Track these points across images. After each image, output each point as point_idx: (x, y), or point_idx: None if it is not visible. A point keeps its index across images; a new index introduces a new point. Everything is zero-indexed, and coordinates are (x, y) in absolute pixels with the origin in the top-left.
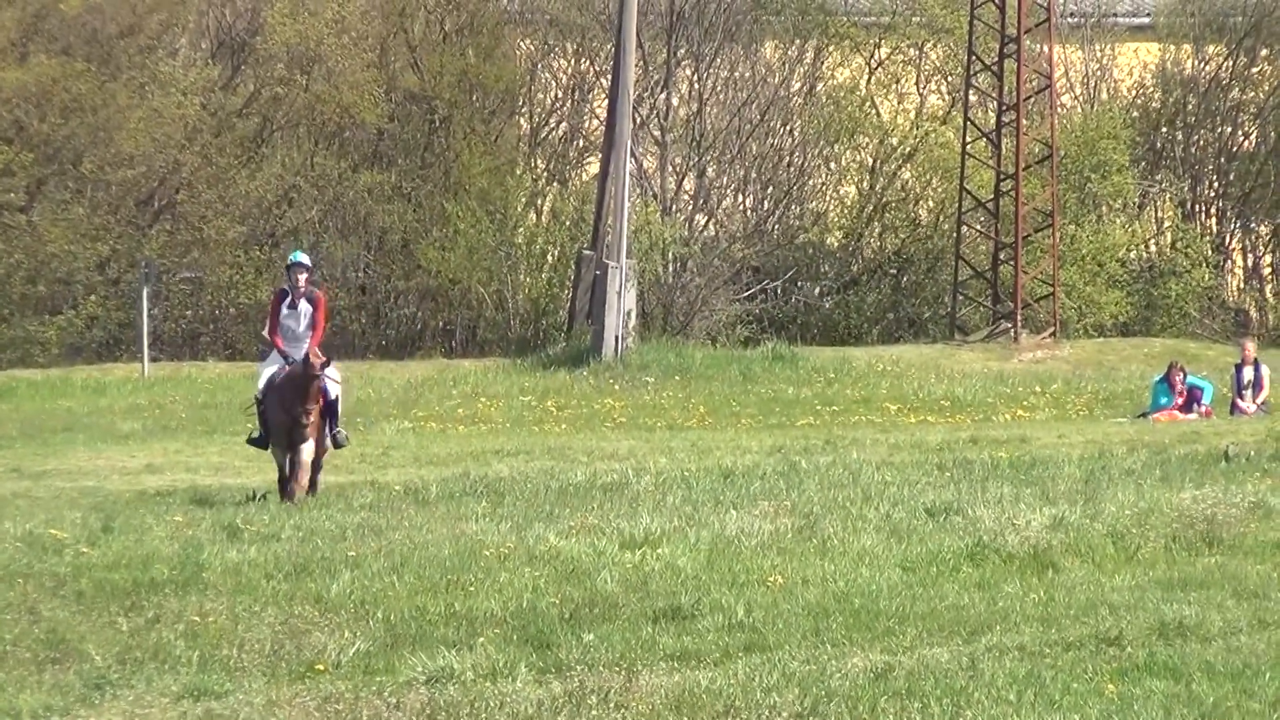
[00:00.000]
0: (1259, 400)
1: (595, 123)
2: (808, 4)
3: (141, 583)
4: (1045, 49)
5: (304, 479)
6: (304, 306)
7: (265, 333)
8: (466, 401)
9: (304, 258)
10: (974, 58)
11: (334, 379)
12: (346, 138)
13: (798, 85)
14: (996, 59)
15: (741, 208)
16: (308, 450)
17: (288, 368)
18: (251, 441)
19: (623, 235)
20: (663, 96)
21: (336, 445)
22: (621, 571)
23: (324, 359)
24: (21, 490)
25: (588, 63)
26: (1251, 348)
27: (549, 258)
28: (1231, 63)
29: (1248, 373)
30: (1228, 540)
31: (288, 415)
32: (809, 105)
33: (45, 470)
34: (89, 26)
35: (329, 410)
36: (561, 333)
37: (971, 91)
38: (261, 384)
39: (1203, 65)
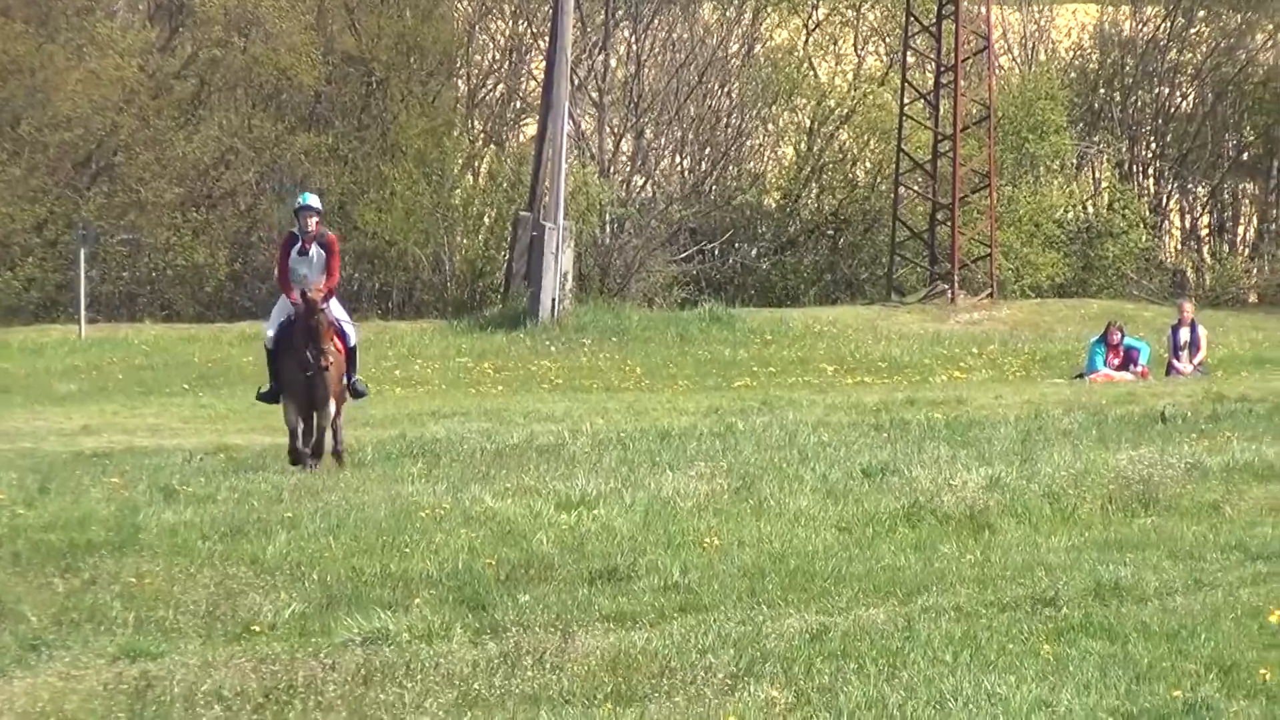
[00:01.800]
0: (1195, 361)
1: (533, 84)
2: None
3: (78, 544)
4: (983, 10)
5: (328, 443)
6: (315, 251)
7: (275, 280)
8: (403, 363)
9: (314, 200)
10: (912, 19)
11: (349, 323)
12: (284, 100)
13: (735, 47)
14: (934, 20)
15: (679, 169)
16: (328, 413)
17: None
18: (261, 396)
19: (560, 197)
20: (600, 58)
21: (356, 395)
22: (557, 533)
23: (325, 291)
24: None
25: (525, 24)
26: (1189, 308)
27: (486, 219)
28: (1169, 24)
29: (1184, 334)
30: (1164, 501)
31: (302, 367)
32: (747, 67)
33: None
34: None
35: (348, 359)
36: (498, 295)
37: (909, 53)
38: (271, 332)
39: (1141, 26)
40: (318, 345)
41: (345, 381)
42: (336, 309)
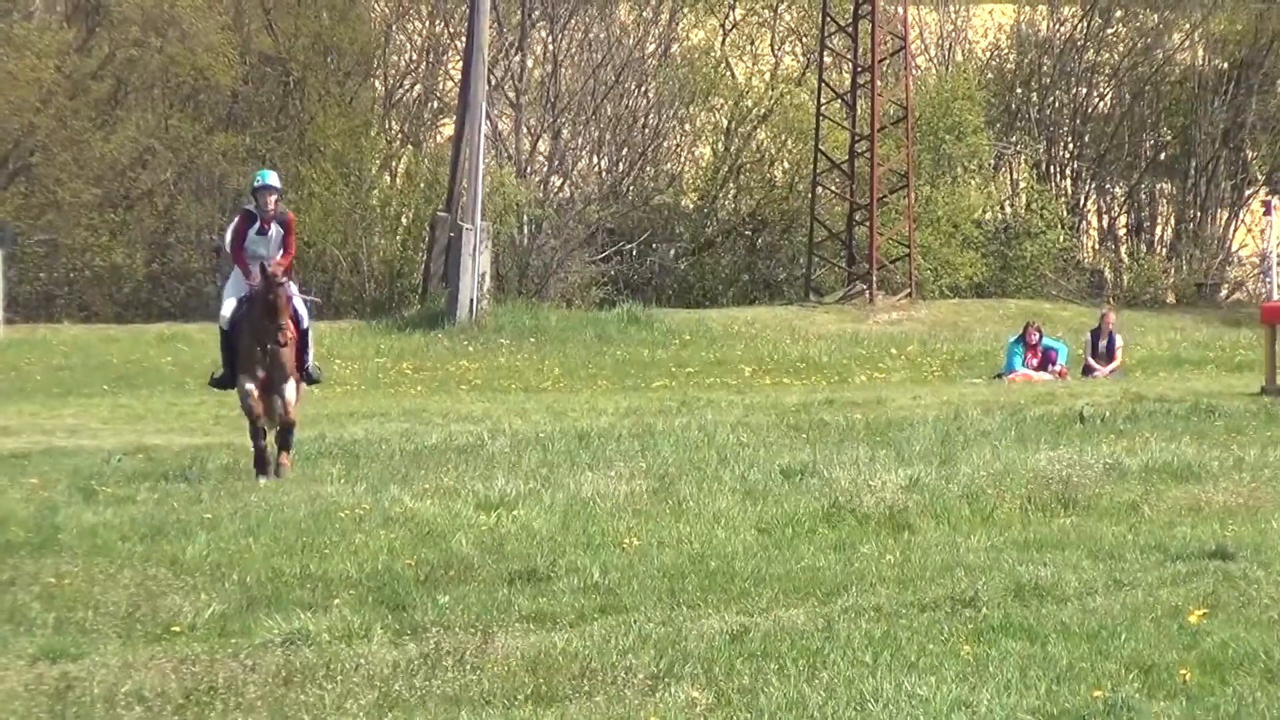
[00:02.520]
0: (1110, 369)
1: (450, 85)
2: None
3: None
4: (899, 10)
5: (292, 414)
6: (274, 230)
7: (227, 251)
8: (321, 364)
9: (274, 178)
10: (828, 19)
11: (302, 300)
12: (201, 100)
13: (653, 47)
14: (851, 20)
15: (596, 169)
16: (290, 390)
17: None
18: (215, 383)
19: (477, 197)
20: (517, 58)
21: (309, 381)
22: (477, 534)
23: (284, 265)
24: None
25: (442, 25)
26: (1112, 319)
27: (403, 220)
28: (1086, 24)
29: (1103, 343)
30: (1083, 501)
31: (259, 344)
32: (664, 67)
33: None
34: None
35: (302, 341)
36: (416, 295)
37: (826, 53)
38: (227, 312)
39: (1058, 26)
40: (276, 321)
41: (300, 364)
42: (291, 288)
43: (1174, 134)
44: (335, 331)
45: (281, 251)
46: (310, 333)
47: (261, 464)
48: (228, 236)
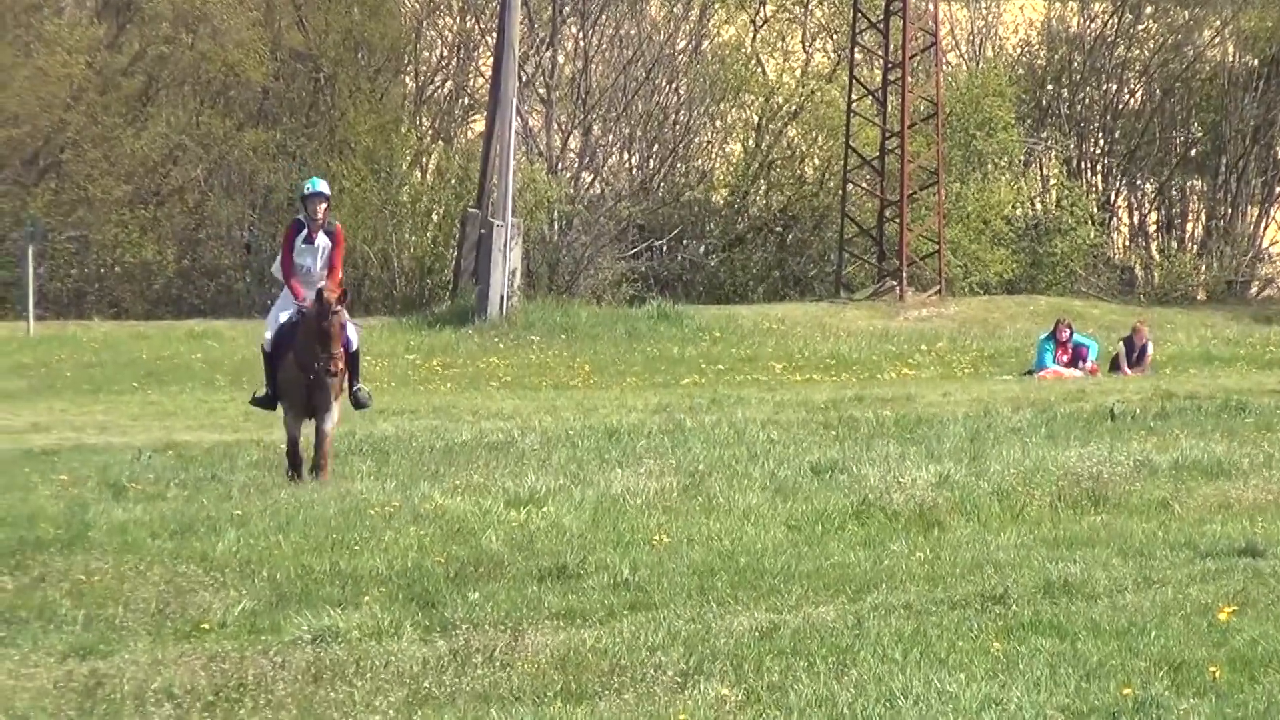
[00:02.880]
0: (1140, 370)
1: (481, 81)
2: None
3: (27, 541)
4: (931, 7)
5: (328, 450)
6: (322, 241)
7: (276, 271)
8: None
9: (323, 186)
10: (859, 15)
11: (352, 324)
12: (232, 96)
13: (683, 43)
14: (882, 17)
15: (627, 166)
16: (332, 419)
17: (302, 312)
18: (256, 402)
19: (508, 194)
20: (548, 54)
21: (358, 405)
22: (507, 530)
23: (340, 291)
24: None
25: (473, 20)
26: (1146, 332)
27: (434, 216)
28: (1117, 20)
29: (1135, 355)
30: (1113, 499)
31: (305, 370)
32: (694, 63)
33: None
34: None
35: (350, 363)
36: (446, 292)
37: (857, 49)
38: (270, 334)
39: (1089, 22)
40: (329, 350)
41: (347, 389)
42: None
43: (1204, 130)
44: (365, 329)
45: (328, 269)
46: (359, 355)
47: (297, 472)
48: (278, 259)
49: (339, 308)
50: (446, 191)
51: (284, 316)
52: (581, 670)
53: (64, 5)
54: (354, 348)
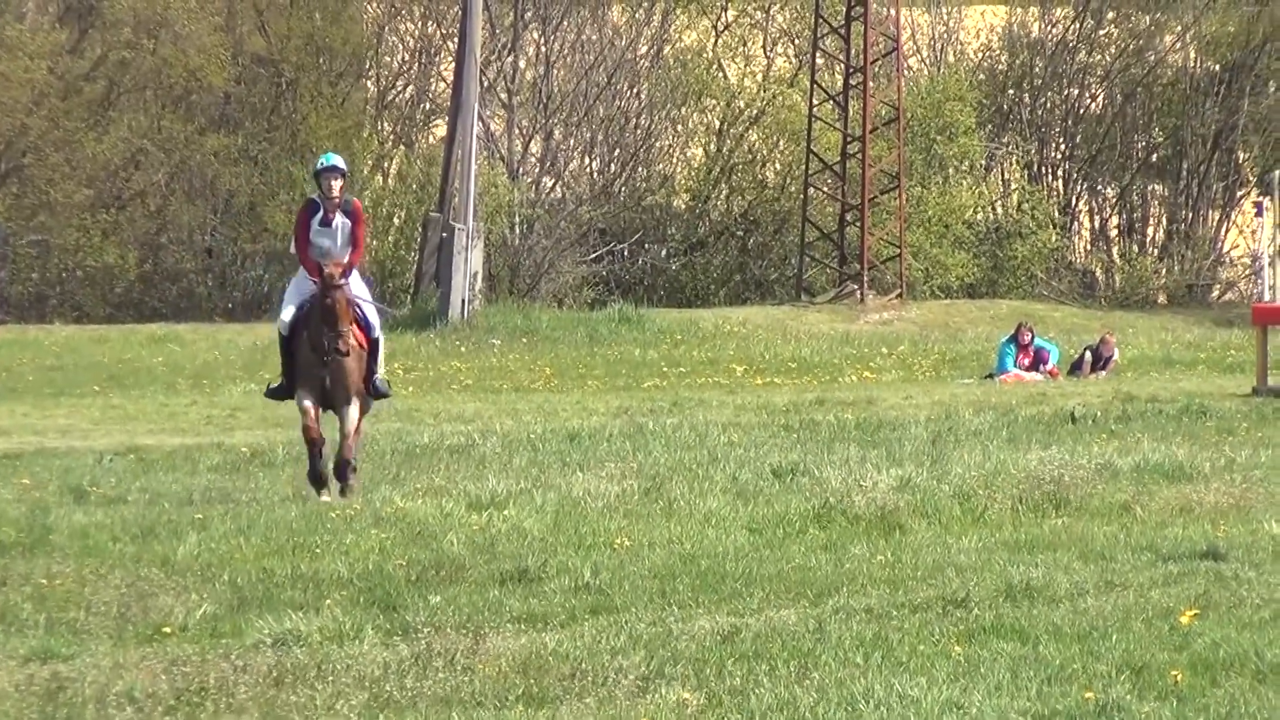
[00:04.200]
0: (1101, 375)
1: (442, 86)
2: None
3: None
4: (892, 12)
5: (353, 447)
6: (340, 221)
7: (293, 250)
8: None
9: (338, 160)
10: (820, 20)
11: (370, 304)
12: (193, 101)
13: (645, 48)
14: (843, 22)
15: (588, 170)
16: (353, 413)
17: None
18: (271, 393)
19: (469, 198)
20: (510, 59)
21: (378, 395)
22: (468, 533)
23: (344, 266)
24: None
25: (434, 26)
26: (1113, 343)
27: (395, 220)
28: (1078, 25)
29: (1100, 364)
30: (1074, 502)
31: (321, 355)
32: (656, 68)
33: None
34: None
35: (370, 351)
36: (408, 295)
37: (818, 54)
38: (287, 317)
39: (1050, 28)
40: (336, 327)
41: (366, 378)
42: (358, 288)
43: (1165, 135)
44: None
45: (351, 248)
46: (381, 343)
47: (317, 480)
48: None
49: (342, 281)
50: (408, 195)
51: (297, 302)
52: (543, 674)
53: (25, 10)
54: (375, 334)
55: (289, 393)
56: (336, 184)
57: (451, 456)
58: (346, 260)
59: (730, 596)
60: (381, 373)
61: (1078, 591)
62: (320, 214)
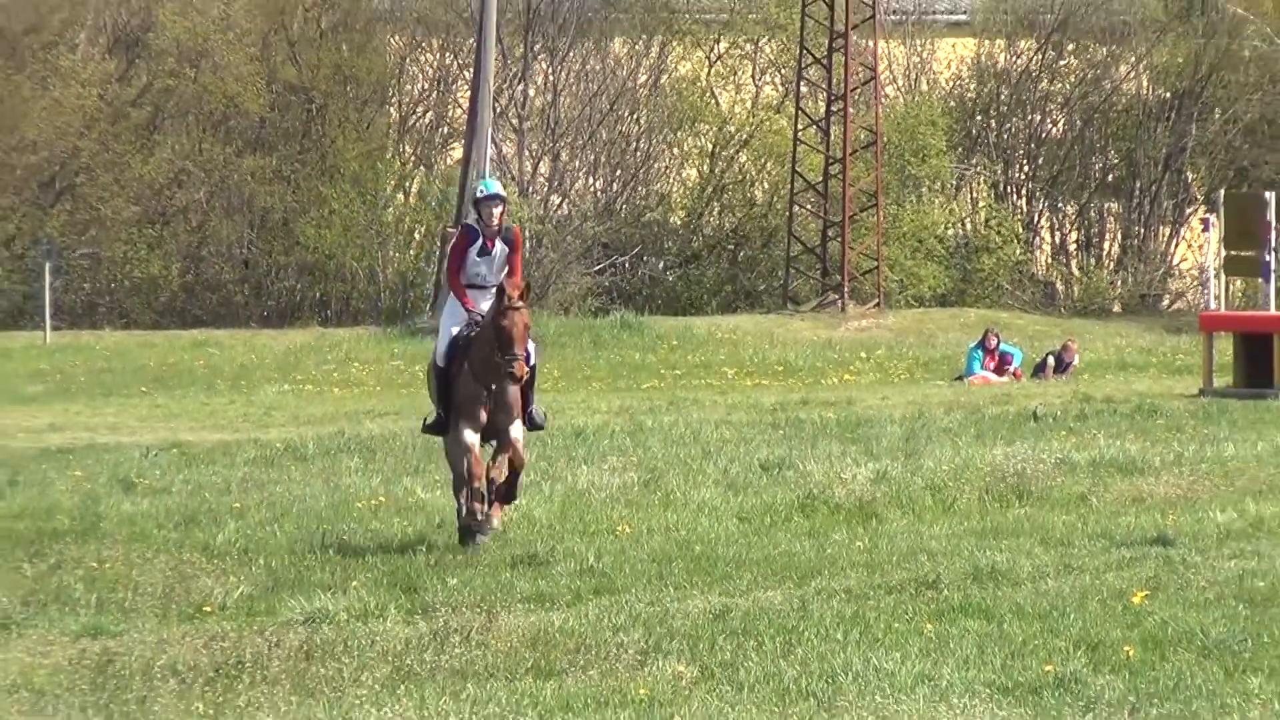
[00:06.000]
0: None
1: (459, 112)
2: (653, 2)
3: (44, 532)
4: (870, 44)
5: (504, 471)
6: (499, 248)
7: (443, 277)
8: (341, 366)
9: (498, 187)
10: (805, 52)
11: (531, 339)
12: (231, 125)
13: (644, 77)
14: (826, 53)
15: (592, 189)
16: (516, 429)
17: (480, 323)
18: (429, 428)
19: None
20: (520, 88)
21: (533, 426)
22: None
23: (523, 287)
24: None
25: (452, 57)
26: (1074, 349)
27: (416, 235)
28: (1041, 56)
29: (1063, 364)
30: (1036, 493)
31: (484, 385)
32: (654, 96)
33: None
34: None
35: (529, 382)
36: (427, 303)
37: (803, 83)
38: (442, 347)
39: (1015, 59)
40: (510, 351)
41: (524, 408)
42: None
43: (1120, 157)
44: (353, 337)
45: (508, 275)
46: (536, 371)
47: (468, 529)
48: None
49: (520, 304)
50: (427, 212)
51: (455, 329)
52: (550, 649)
53: (78, 42)
54: (533, 361)
55: (446, 427)
56: (497, 210)
57: None
58: (515, 282)
59: (721, 579)
60: (537, 404)
61: (1039, 574)
62: (479, 241)
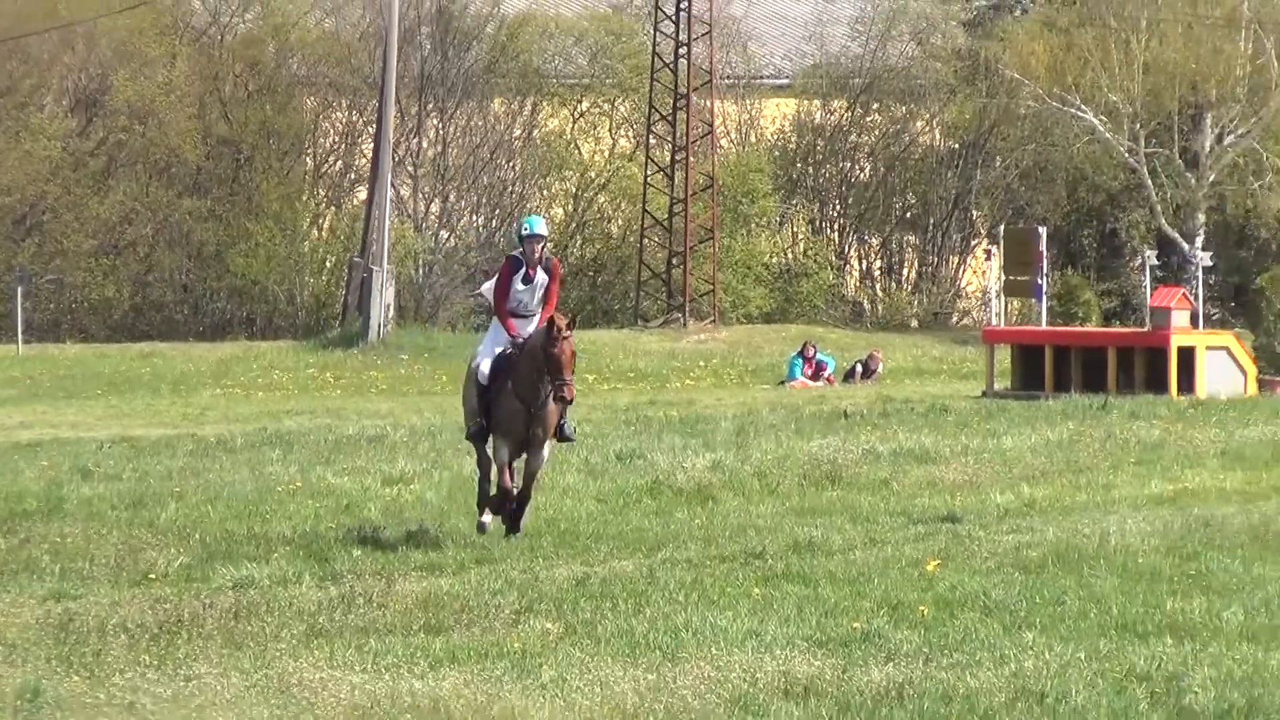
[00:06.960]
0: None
1: (363, 160)
2: (526, 68)
3: (15, 512)
4: (708, 103)
5: (534, 489)
6: (540, 278)
7: (486, 295)
8: (265, 373)
9: (541, 227)
10: (653, 110)
11: None
12: (173, 172)
13: (519, 131)
14: (671, 111)
15: (475, 225)
16: (544, 456)
17: (522, 345)
18: (472, 436)
19: (384, 246)
20: (415, 140)
21: (562, 438)
22: (383, 503)
23: (568, 318)
24: None
25: (358, 115)
26: (880, 357)
27: (328, 264)
28: (851, 113)
29: (870, 371)
30: (846, 478)
31: (525, 403)
32: (527, 147)
33: None
34: None
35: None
36: (337, 321)
37: (651, 136)
38: (485, 367)
39: (829, 115)
40: (560, 376)
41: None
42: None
43: (917, 198)
44: (275, 350)
45: (544, 303)
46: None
47: (502, 500)
48: (489, 284)
49: (569, 333)
50: (337, 245)
51: (496, 350)
52: (439, 609)
53: (45, 103)
54: None
55: (487, 434)
56: (539, 247)
57: (370, 444)
58: (541, 312)
59: (583, 551)
60: (568, 419)
61: (848, 546)
62: (523, 271)
